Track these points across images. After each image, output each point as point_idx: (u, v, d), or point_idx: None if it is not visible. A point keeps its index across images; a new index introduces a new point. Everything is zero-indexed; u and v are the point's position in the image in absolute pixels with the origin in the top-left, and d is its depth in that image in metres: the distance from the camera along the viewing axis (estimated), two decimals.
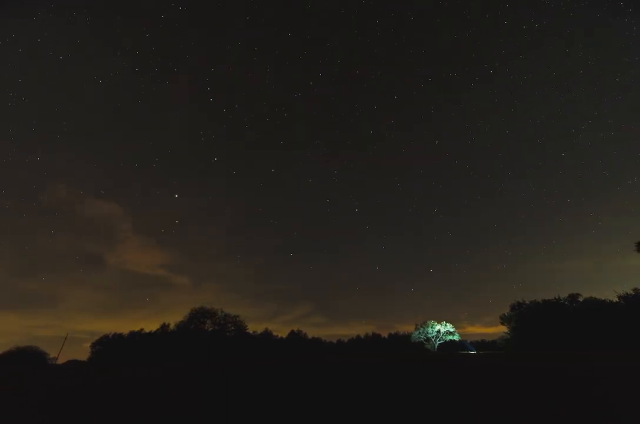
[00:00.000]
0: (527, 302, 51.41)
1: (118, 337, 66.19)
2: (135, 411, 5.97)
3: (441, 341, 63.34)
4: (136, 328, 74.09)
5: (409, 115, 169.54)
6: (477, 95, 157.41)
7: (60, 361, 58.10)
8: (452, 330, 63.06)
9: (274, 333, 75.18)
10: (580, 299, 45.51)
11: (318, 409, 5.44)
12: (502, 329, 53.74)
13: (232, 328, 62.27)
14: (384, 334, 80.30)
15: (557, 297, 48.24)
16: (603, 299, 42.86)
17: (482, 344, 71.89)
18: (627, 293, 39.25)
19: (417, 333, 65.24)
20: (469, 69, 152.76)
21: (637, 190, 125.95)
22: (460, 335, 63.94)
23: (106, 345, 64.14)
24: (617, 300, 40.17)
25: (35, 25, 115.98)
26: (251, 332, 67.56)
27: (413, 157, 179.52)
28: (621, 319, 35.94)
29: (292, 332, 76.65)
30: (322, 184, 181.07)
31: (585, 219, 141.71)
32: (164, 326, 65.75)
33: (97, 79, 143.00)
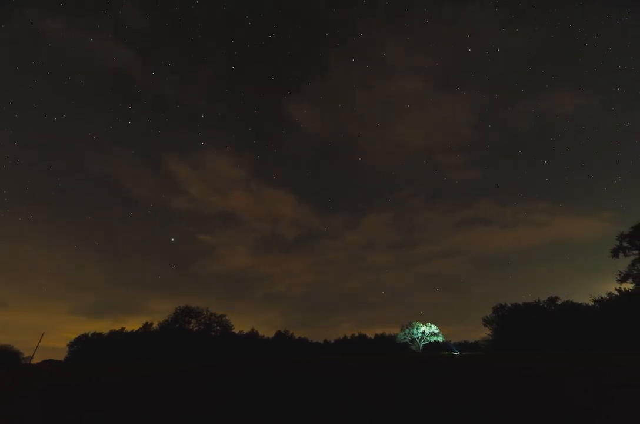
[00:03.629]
0: (509, 304, 53.24)
1: (97, 336, 63.97)
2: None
3: (426, 342, 64.52)
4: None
5: (399, 136, 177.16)
6: (458, 116, 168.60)
7: (35, 360, 55.44)
8: (436, 331, 64.41)
9: (260, 333, 74.74)
10: (559, 302, 47.48)
11: (304, 410, 5.49)
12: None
13: (218, 327, 61.33)
14: (371, 334, 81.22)
15: (537, 300, 50.21)
16: (580, 302, 44.97)
17: (465, 345, 73.68)
18: (601, 297, 41.30)
19: (403, 334, 66.22)
20: (451, 94, 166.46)
21: (625, 188, 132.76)
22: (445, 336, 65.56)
23: (84, 345, 61.86)
24: (592, 304, 42.26)
25: None
26: (237, 332, 66.79)
27: (403, 176, 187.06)
28: (596, 322, 37.73)
29: (279, 332, 76.23)
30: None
31: (580, 221, 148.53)
32: (147, 325, 63.94)
33: None
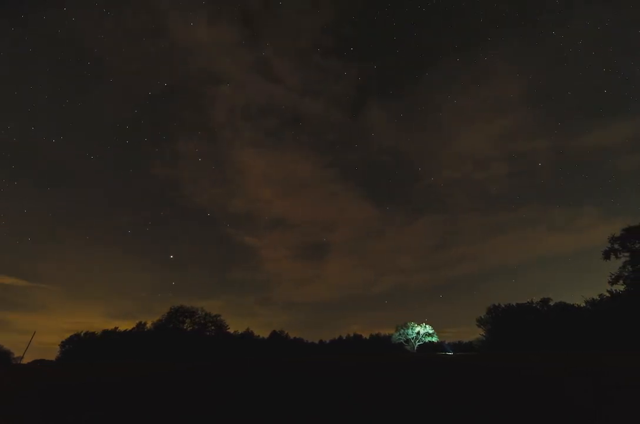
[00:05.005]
0: (502, 305, 53.74)
1: (90, 336, 63.11)
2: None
3: (420, 343, 64.91)
4: None
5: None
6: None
7: (26, 360, 54.56)
8: (431, 331, 64.85)
9: (255, 333, 74.38)
10: (551, 303, 48.08)
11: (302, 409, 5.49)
12: None
13: (213, 327, 60.94)
14: (366, 335, 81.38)
15: (529, 301, 50.79)
16: (572, 303, 45.57)
17: (459, 346, 74.27)
18: (593, 298, 41.95)
19: (397, 334, 66.53)
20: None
21: (619, 187, 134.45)
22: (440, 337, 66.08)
23: (77, 344, 61.00)
24: (584, 305, 42.87)
25: None
26: (232, 332, 66.43)
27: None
28: (587, 323, 38.30)
29: (274, 332, 75.96)
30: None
31: (576, 222, 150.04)
32: (140, 325, 63.24)
33: None
